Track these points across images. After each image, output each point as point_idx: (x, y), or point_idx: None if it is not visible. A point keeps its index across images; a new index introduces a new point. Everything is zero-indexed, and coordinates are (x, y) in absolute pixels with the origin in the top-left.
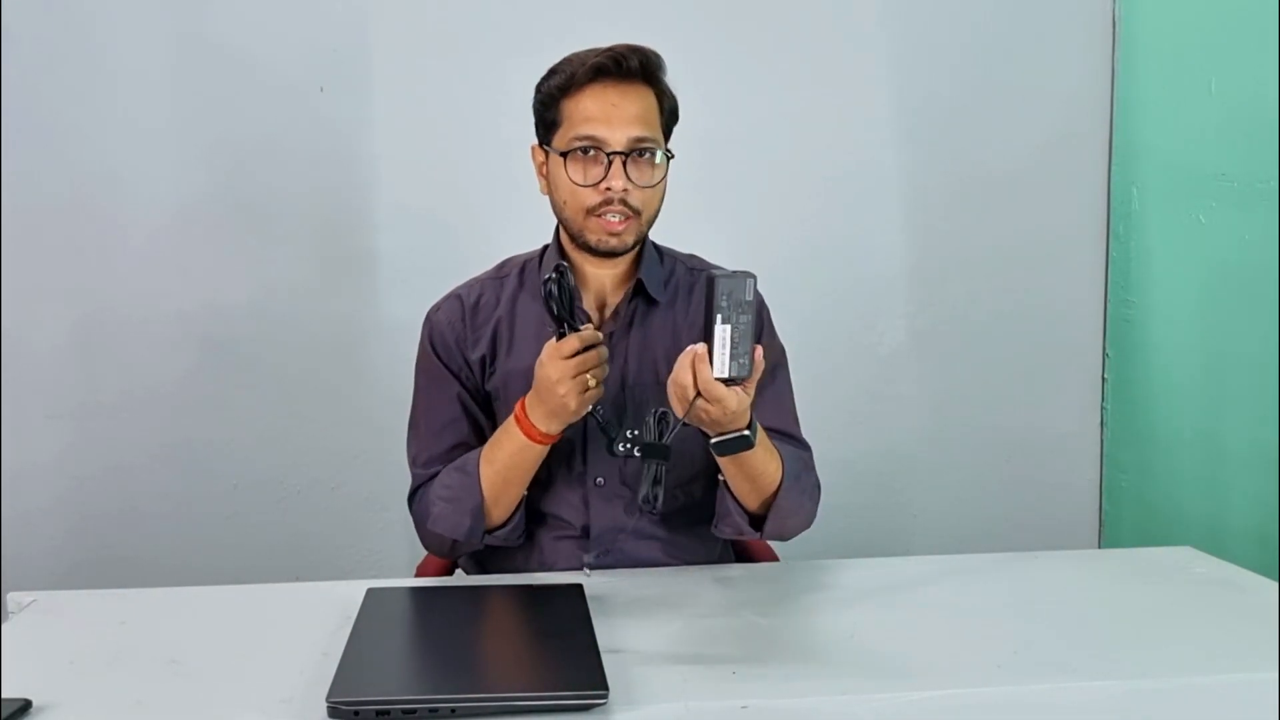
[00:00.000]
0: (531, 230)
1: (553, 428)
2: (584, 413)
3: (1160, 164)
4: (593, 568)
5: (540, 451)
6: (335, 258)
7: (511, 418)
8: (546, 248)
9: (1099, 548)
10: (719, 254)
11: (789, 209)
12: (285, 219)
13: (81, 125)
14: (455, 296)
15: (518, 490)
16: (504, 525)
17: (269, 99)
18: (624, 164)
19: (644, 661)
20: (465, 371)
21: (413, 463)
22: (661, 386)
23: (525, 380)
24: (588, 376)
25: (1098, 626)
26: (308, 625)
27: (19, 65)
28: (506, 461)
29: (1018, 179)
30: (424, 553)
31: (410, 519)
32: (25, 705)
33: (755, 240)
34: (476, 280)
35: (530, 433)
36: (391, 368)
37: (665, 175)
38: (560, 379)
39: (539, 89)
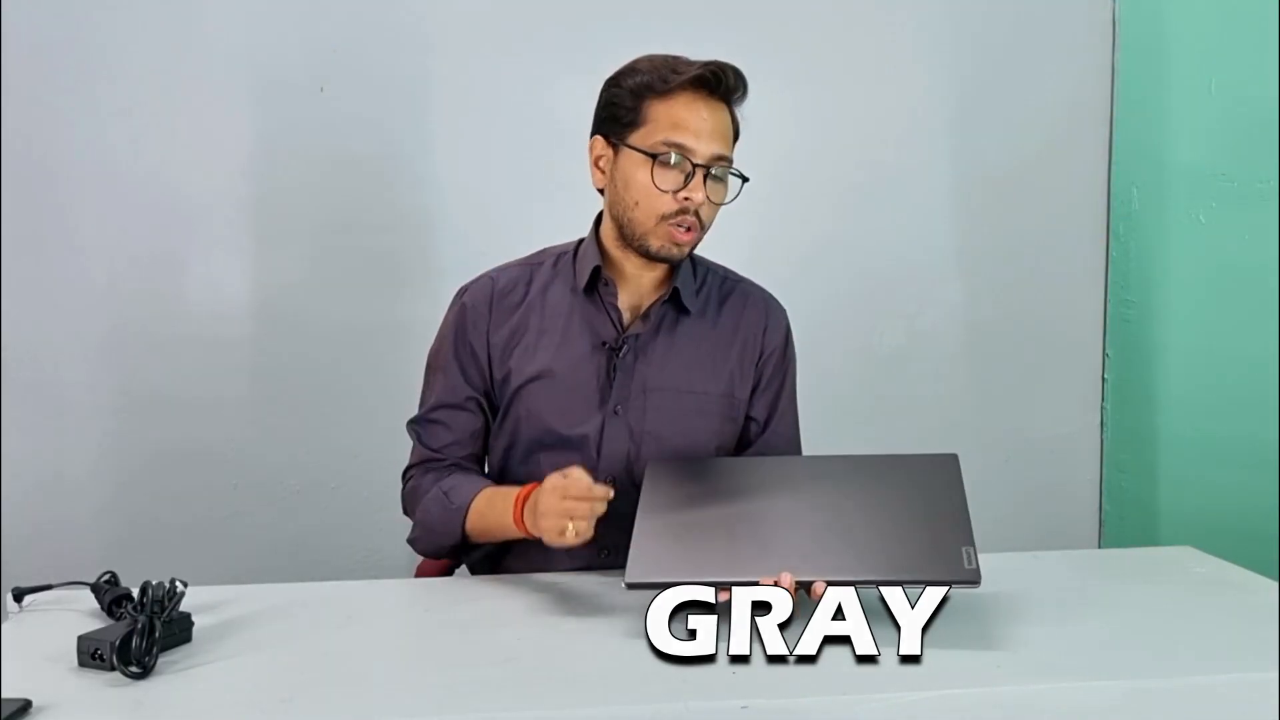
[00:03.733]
0: (531, 230)
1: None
2: (560, 545)
3: (1160, 164)
4: (600, 567)
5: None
6: (335, 258)
7: (513, 495)
8: (582, 241)
9: (1099, 548)
10: (717, 255)
11: (788, 210)
12: (285, 219)
13: (82, 125)
14: (488, 278)
15: (494, 541)
16: (474, 549)
17: (269, 99)
18: (704, 178)
19: (644, 661)
20: (484, 356)
21: (412, 437)
22: (680, 395)
23: (557, 374)
24: (569, 521)
25: (1098, 626)
26: (308, 625)
27: (19, 65)
28: (493, 525)
29: (1018, 179)
30: None
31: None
32: (25, 705)
33: (755, 241)
34: (510, 264)
35: (519, 522)
36: (392, 368)
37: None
38: (546, 512)
39: (616, 83)
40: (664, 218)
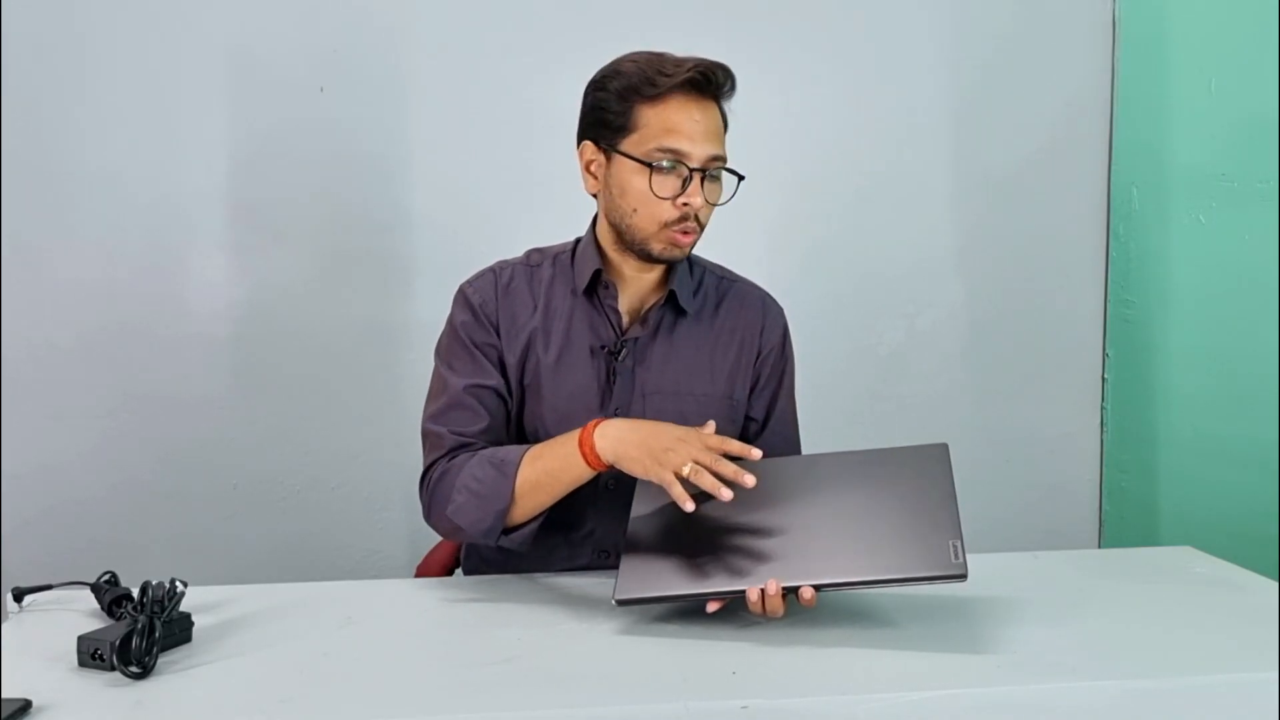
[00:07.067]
0: (533, 230)
1: (618, 456)
2: (659, 478)
3: (1160, 164)
4: (596, 567)
5: (584, 475)
6: (335, 258)
7: (578, 430)
8: (578, 241)
9: (1099, 548)
10: (718, 254)
11: (789, 210)
12: (285, 219)
13: (81, 125)
14: (490, 273)
15: (546, 501)
16: (518, 529)
17: (269, 99)
18: (701, 181)
19: (644, 661)
20: (499, 346)
21: (436, 430)
22: (680, 398)
23: (558, 377)
24: (696, 463)
25: (1098, 626)
26: (308, 625)
27: (19, 65)
28: (549, 469)
29: (1018, 179)
30: (423, 553)
31: (412, 503)
32: (25, 705)
33: (755, 241)
34: (508, 262)
35: (586, 447)
36: (392, 368)
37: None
38: (686, 438)
39: (601, 87)
40: (665, 224)
